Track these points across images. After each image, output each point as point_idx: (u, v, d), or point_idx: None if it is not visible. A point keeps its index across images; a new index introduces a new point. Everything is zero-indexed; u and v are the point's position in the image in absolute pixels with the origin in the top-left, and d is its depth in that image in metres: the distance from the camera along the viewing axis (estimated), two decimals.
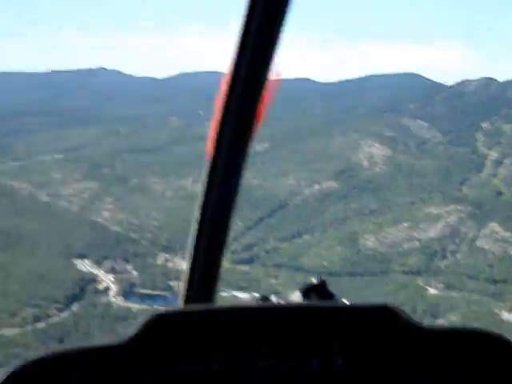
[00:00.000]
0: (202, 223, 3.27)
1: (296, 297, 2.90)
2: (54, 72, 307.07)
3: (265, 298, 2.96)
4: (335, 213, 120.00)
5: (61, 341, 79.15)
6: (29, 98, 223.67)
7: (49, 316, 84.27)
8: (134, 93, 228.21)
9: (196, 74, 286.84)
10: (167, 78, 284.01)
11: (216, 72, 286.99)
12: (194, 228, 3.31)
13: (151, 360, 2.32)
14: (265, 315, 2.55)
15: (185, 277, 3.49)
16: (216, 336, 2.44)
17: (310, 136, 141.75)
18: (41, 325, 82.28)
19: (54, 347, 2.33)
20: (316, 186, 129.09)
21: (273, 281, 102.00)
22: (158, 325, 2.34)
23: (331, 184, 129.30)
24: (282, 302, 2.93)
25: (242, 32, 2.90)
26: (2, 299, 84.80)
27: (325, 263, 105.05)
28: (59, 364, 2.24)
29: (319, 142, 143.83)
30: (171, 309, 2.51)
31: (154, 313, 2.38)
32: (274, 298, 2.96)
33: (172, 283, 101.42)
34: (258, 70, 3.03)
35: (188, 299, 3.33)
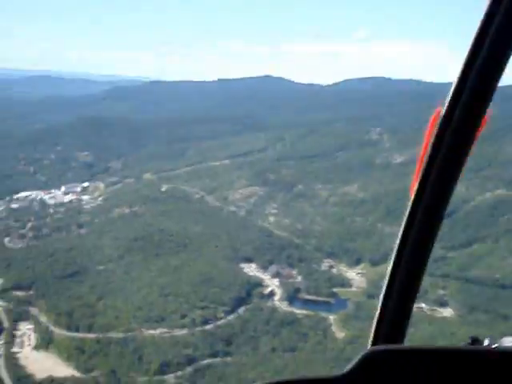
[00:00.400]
0: (403, 247, 3.12)
1: (510, 342, 2.72)
2: (222, 80, 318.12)
3: (475, 340, 2.80)
4: (508, 222, 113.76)
5: (228, 343, 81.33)
6: (199, 106, 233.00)
7: (217, 318, 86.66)
8: (300, 100, 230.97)
9: (361, 80, 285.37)
10: (332, 85, 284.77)
11: (381, 77, 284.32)
12: (393, 254, 3.19)
13: None
14: (479, 359, 2.45)
15: (380, 304, 3.28)
16: (426, 376, 2.43)
17: (480, 142, 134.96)
18: (209, 327, 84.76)
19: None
20: (487, 194, 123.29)
21: (440, 291, 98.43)
22: (374, 361, 2.43)
23: (504, 192, 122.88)
24: (495, 345, 2.72)
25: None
26: (174, 301, 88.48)
27: (497, 275, 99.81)
28: None
29: (491, 147, 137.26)
30: (387, 347, 2.63)
31: (370, 350, 2.50)
32: (486, 341, 2.78)
33: (336, 290, 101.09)
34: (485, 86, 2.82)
35: (379, 330, 3.20)
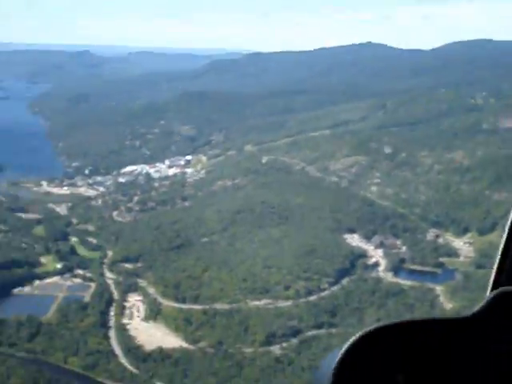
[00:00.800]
0: None
1: None
2: (322, 49, 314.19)
3: None
4: None
5: (332, 314, 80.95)
6: (299, 77, 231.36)
7: (321, 289, 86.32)
8: (401, 66, 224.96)
9: (463, 43, 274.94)
10: (435, 49, 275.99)
11: (484, 40, 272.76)
12: None
13: (490, 335, 2.46)
14: None
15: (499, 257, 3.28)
16: None
17: None
18: (313, 298, 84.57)
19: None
20: None
21: None
22: (504, 301, 2.47)
23: None
24: None
25: None
26: (277, 272, 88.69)
27: None
28: (405, 332, 2.47)
29: None
30: None
31: (500, 290, 2.53)
32: None
33: (443, 260, 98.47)
34: None
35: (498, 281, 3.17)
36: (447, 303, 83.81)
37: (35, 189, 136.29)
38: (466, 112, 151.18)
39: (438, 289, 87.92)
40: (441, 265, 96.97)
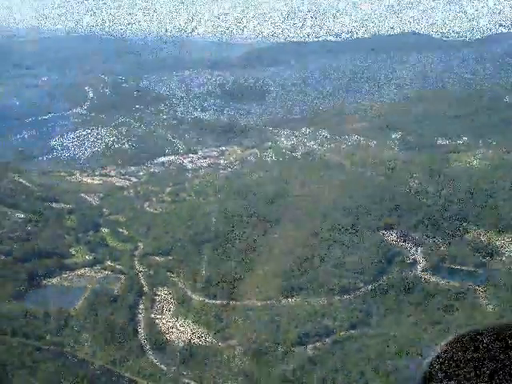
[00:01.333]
0: None
1: None
2: (358, 39, 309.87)
3: None
4: None
5: (368, 314, 77.85)
6: (336, 66, 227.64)
7: (356, 288, 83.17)
8: (444, 56, 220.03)
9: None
10: (480, 39, 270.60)
11: None
12: None
13: None
14: None
15: None
16: None
17: None
18: (347, 296, 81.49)
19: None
20: None
21: None
22: None
23: None
24: None
25: None
26: (311, 269, 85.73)
27: None
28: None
29: None
30: None
31: None
32: None
33: (485, 259, 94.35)
34: None
35: None
36: (489, 305, 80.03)
37: (67, 178, 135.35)
38: (508, 105, 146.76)
39: (479, 290, 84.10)
40: (483, 264, 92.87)
